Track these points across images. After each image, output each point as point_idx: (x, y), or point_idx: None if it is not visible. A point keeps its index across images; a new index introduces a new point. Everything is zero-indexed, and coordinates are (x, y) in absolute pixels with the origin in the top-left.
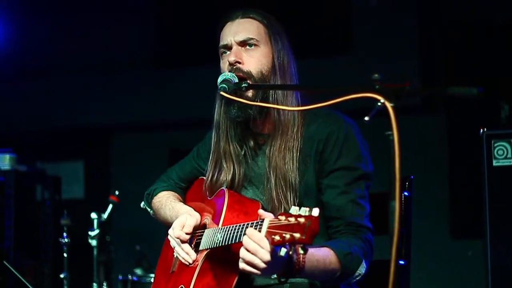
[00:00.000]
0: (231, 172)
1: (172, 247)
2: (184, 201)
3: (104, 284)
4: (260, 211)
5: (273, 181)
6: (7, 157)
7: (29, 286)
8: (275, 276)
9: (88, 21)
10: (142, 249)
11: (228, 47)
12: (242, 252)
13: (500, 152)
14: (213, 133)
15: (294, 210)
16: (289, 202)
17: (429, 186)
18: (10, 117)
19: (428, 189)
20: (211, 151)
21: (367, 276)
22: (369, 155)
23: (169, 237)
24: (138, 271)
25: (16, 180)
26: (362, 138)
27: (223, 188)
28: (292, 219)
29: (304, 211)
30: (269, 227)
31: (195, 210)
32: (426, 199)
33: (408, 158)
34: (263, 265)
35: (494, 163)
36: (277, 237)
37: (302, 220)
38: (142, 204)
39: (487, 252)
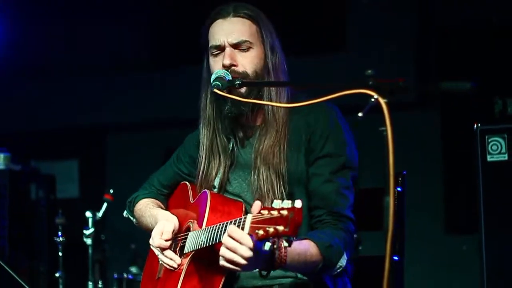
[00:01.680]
0: (217, 165)
1: (156, 255)
2: (167, 208)
3: (100, 282)
4: (257, 202)
5: (260, 171)
6: (1, 156)
7: (25, 285)
8: (256, 270)
9: (84, 21)
10: (137, 247)
11: (221, 48)
12: (222, 250)
13: (494, 147)
14: (202, 131)
15: (277, 203)
16: (276, 190)
17: (424, 182)
18: (4, 116)
19: (422, 185)
20: (201, 149)
21: (361, 272)
22: (354, 144)
23: (151, 246)
24: (133, 270)
25: (11, 179)
26: (347, 126)
27: (205, 190)
28: (274, 213)
29: (287, 203)
30: (252, 222)
31: (178, 216)
32: (421, 194)
33: (402, 154)
34: (243, 261)
35: (488, 158)
36: (260, 232)
37: (284, 212)
38: (124, 213)
39: (482, 247)
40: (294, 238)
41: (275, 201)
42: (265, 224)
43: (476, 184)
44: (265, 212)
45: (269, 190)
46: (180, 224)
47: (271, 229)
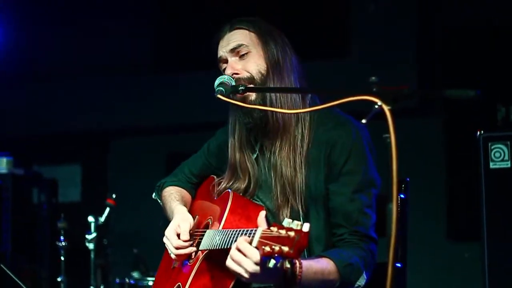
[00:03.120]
0: (246, 181)
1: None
2: (195, 197)
3: (101, 287)
4: (260, 218)
5: (279, 187)
6: (4, 160)
7: None
8: (272, 286)
9: (87, 24)
10: (139, 252)
11: (224, 60)
12: (228, 262)
13: (497, 154)
14: (229, 142)
15: (286, 222)
16: (294, 206)
17: (427, 189)
18: (7, 120)
19: (425, 192)
20: (228, 161)
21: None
22: (375, 163)
23: (166, 245)
24: (135, 275)
25: (13, 184)
26: (371, 144)
27: (228, 190)
28: (283, 232)
29: (296, 224)
30: (261, 237)
31: (201, 208)
32: (424, 201)
33: (405, 160)
34: (246, 275)
35: (491, 165)
36: (267, 248)
37: (292, 234)
38: (153, 195)
39: (484, 255)
40: (296, 261)
41: (285, 219)
42: (272, 242)
43: (479, 191)
44: (274, 229)
45: (287, 205)
46: (201, 218)
47: (277, 248)
